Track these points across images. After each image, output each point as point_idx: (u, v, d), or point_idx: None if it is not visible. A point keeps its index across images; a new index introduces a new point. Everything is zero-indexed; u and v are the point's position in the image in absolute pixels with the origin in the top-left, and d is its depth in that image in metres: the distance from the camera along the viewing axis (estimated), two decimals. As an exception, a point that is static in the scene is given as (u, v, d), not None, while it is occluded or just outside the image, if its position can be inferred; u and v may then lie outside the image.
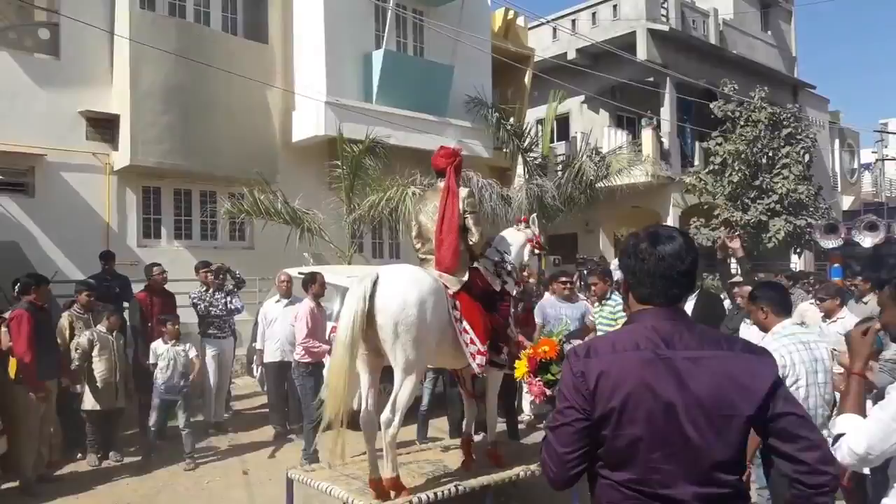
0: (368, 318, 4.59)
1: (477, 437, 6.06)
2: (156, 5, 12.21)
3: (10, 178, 10.83)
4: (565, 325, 5.95)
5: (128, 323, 8.09)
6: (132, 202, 11.92)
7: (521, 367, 5.22)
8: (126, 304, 8.41)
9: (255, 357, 8.54)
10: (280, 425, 8.24)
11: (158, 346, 7.26)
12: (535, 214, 6.26)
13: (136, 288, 8.55)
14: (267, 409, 8.75)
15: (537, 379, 5.07)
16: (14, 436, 6.37)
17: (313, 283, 7.12)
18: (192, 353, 7.50)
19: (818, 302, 7.26)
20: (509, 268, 5.48)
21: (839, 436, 2.21)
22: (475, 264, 5.30)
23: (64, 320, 7.40)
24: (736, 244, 7.17)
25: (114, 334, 7.19)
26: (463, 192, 5.22)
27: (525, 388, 8.29)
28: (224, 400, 8.76)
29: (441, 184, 5.23)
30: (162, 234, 12.32)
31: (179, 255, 11.73)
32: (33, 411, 6.37)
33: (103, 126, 11.59)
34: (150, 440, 7.22)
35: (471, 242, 5.20)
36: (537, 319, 7.53)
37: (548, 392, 5.62)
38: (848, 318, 6.46)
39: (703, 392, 1.87)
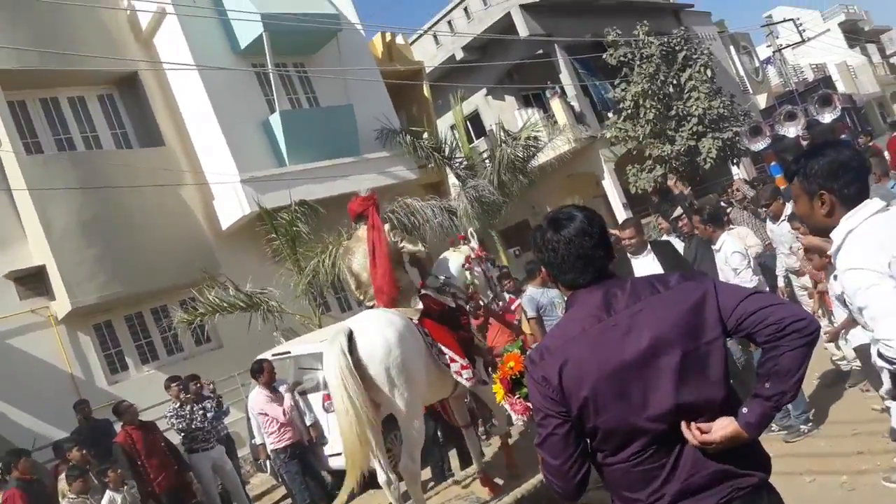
0: (358, 371, 4.55)
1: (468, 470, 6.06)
2: (42, 146, 11.96)
3: (-43, 364, 10.46)
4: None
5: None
6: (88, 344, 11.58)
7: (498, 392, 5.26)
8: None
9: (259, 452, 8.37)
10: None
11: (113, 498, 6.91)
12: (471, 229, 6.33)
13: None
14: (290, 500, 8.59)
15: (516, 397, 5.10)
16: None
17: (261, 373, 7.07)
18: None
19: (764, 208, 7.42)
20: (453, 290, 5.49)
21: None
22: (423, 292, 5.33)
23: (62, 483, 7.17)
24: (670, 183, 7.57)
25: (88, 495, 6.84)
26: (386, 226, 5.28)
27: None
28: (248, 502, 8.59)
29: (361, 231, 5.27)
30: (128, 364, 11.99)
31: (152, 380, 11.42)
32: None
33: (33, 280, 11.28)
34: None
35: (421, 253, 5.28)
36: (531, 312, 7.53)
37: (530, 405, 5.63)
38: (789, 214, 6.60)
39: (661, 338, 1.87)
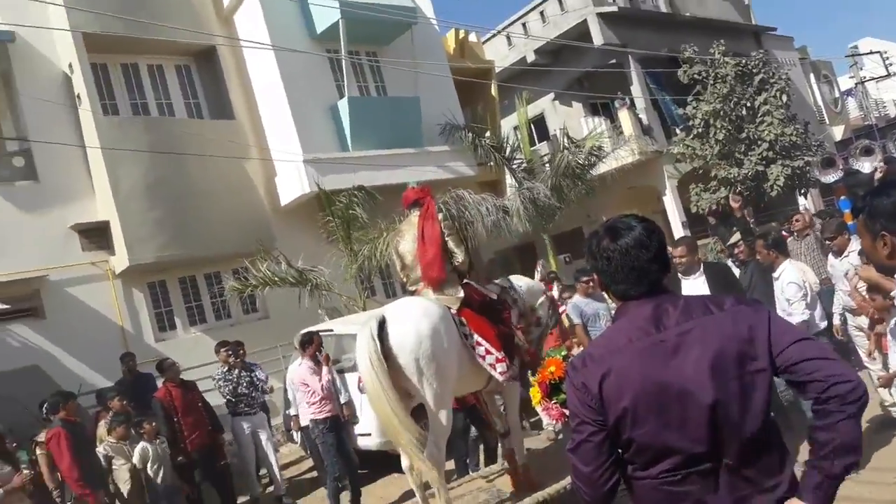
0: (386, 360, 4.58)
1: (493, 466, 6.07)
2: (119, 109, 12.41)
3: (18, 304, 10.94)
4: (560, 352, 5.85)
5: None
6: (140, 300, 12.03)
7: (535, 395, 5.20)
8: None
9: (291, 423, 8.55)
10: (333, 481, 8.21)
11: (146, 448, 7.11)
12: (545, 268, 6.31)
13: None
14: (315, 472, 8.74)
15: (553, 402, 5.03)
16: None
17: (310, 344, 7.19)
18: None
19: (829, 241, 7.18)
20: (515, 295, 5.50)
21: None
22: (466, 281, 5.31)
23: (101, 429, 7.47)
24: (735, 204, 7.35)
25: (127, 442, 7.10)
26: (439, 215, 5.29)
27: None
28: (278, 472, 8.76)
29: (414, 216, 5.28)
30: (176, 324, 12.42)
31: (198, 342, 11.80)
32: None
33: (96, 235, 11.75)
34: None
35: (456, 264, 5.23)
36: (575, 320, 7.56)
37: (566, 412, 5.58)
38: (858, 249, 6.40)
39: (708, 361, 1.84)
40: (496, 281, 5.61)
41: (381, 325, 4.59)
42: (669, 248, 6.11)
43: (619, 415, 1.88)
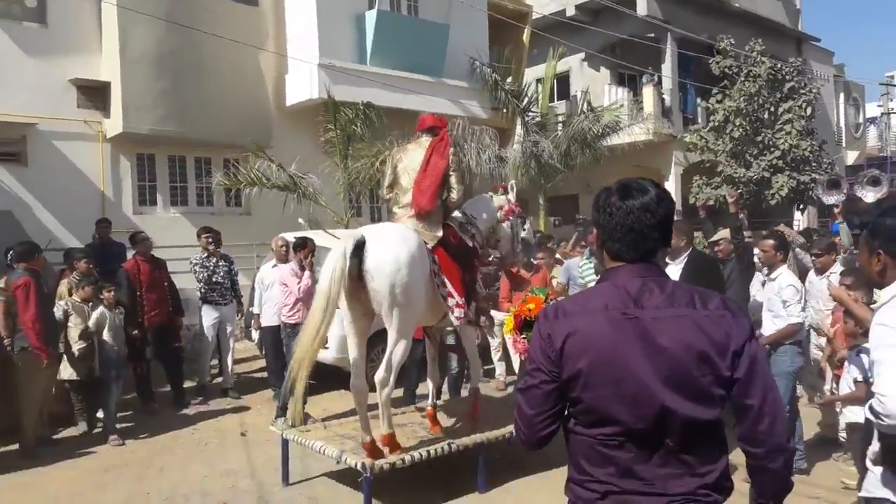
0: (359, 280, 4.59)
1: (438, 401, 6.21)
2: (143, -31, 11.98)
3: (3, 147, 10.71)
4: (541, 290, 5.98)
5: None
6: (126, 169, 11.85)
7: (508, 324, 5.32)
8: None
9: (252, 321, 8.60)
10: (278, 387, 8.29)
11: (104, 313, 7.07)
12: (513, 181, 6.35)
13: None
14: (266, 373, 8.83)
15: (522, 336, 5.13)
16: (16, 402, 6.47)
17: (302, 248, 7.21)
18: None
19: (815, 258, 7.25)
20: (473, 230, 5.58)
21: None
22: (447, 221, 5.38)
23: (63, 287, 7.44)
24: (731, 199, 7.37)
25: (89, 304, 7.11)
26: (450, 149, 5.30)
27: (494, 352, 8.51)
28: (231, 366, 8.84)
29: (425, 140, 5.29)
30: (158, 201, 12.27)
31: (176, 222, 11.74)
32: (36, 378, 6.42)
33: (94, 93, 11.46)
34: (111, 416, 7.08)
35: (452, 199, 5.28)
36: (562, 279, 7.67)
37: None
38: (839, 272, 6.48)
39: (673, 353, 1.83)
40: (455, 214, 5.59)
41: (360, 245, 4.59)
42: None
43: (573, 374, 1.88)
